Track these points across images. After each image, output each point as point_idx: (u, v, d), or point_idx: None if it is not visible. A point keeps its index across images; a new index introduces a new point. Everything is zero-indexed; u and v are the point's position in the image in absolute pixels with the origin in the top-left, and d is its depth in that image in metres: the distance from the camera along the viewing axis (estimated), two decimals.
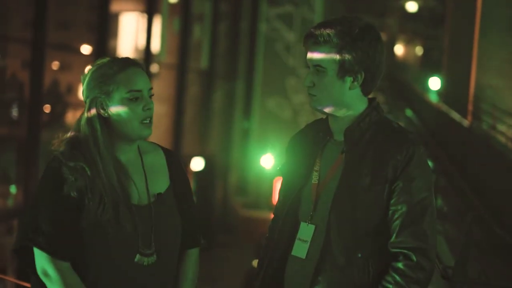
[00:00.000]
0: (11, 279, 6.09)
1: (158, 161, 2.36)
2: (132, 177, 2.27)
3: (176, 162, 2.40)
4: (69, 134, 2.25)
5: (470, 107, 11.13)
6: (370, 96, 2.28)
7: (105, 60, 2.26)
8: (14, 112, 8.94)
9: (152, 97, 2.28)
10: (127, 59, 2.27)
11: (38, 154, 8.18)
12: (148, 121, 2.25)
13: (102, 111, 2.23)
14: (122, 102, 2.22)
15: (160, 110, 12.91)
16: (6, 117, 8.78)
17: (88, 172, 2.18)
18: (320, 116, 2.35)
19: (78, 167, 2.18)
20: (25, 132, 8.36)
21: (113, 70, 2.22)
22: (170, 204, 2.33)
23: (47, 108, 9.18)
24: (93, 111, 2.23)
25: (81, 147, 2.21)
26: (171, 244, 2.31)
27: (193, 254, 2.42)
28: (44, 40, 8.25)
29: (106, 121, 2.24)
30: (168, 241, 2.29)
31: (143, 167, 2.31)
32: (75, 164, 2.18)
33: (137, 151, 2.32)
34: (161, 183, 2.33)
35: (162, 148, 2.42)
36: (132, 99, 2.22)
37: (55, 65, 9.60)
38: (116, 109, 2.22)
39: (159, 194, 2.30)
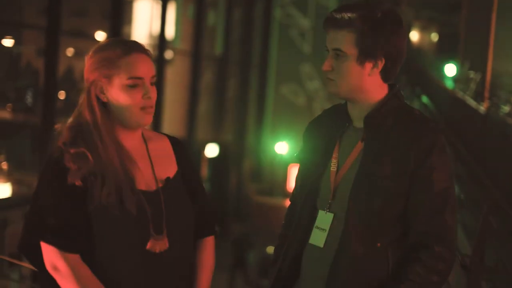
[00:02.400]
0: (26, 264, 6.11)
1: (163, 147, 2.31)
2: (138, 163, 2.20)
3: (183, 149, 2.35)
4: (71, 119, 2.20)
5: (486, 94, 11.03)
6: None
7: (110, 41, 2.19)
8: (29, 99, 8.96)
9: (153, 84, 2.19)
10: (132, 43, 2.19)
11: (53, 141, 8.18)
12: (148, 109, 2.18)
13: (102, 95, 2.17)
14: (122, 88, 2.15)
15: (175, 97, 12.89)
16: (21, 104, 8.80)
17: (90, 157, 2.12)
18: (338, 101, 2.31)
19: (79, 152, 2.13)
20: (40, 119, 8.37)
21: (116, 54, 2.15)
22: (180, 189, 2.27)
23: (61, 95, 9.19)
24: (93, 94, 2.17)
25: (83, 132, 2.16)
26: (184, 230, 2.25)
27: (208, 242, 2.37)
28: (58, 26, 8.24)
29: (105, 105, 2.18)
30: (180, 226, 2.24)
31: (148, 153, 2.25)
32: (76, 150, 2.13)
33: (141, 138, 2.27)
34: (168, 168, 2.28)
35: (168, 135, 2.36)
36: (132, 86, 2.15)
37: (69, 51, 9.61)
38: (115, 95, 2.16)
39: (167, 178, 2.24)
